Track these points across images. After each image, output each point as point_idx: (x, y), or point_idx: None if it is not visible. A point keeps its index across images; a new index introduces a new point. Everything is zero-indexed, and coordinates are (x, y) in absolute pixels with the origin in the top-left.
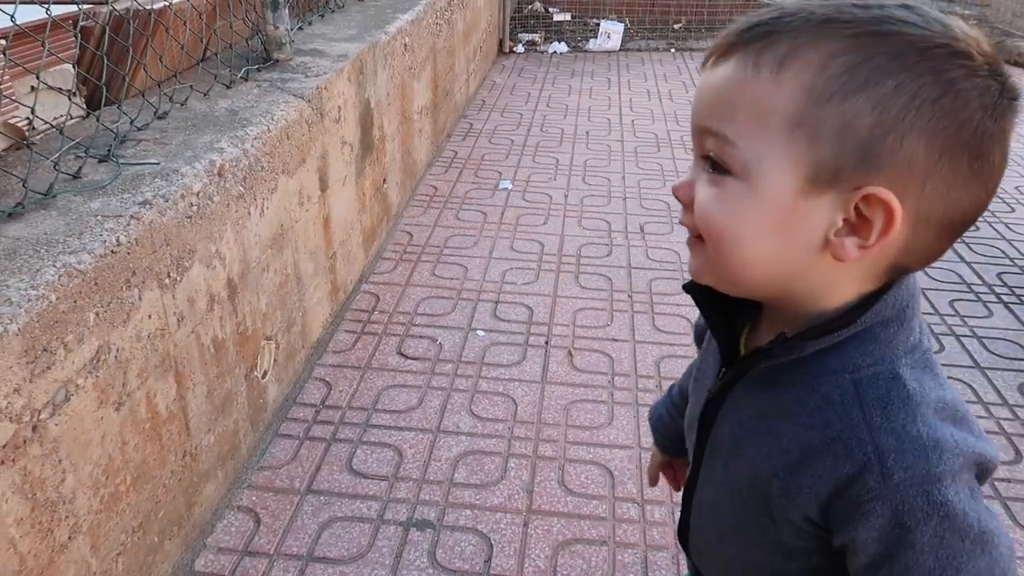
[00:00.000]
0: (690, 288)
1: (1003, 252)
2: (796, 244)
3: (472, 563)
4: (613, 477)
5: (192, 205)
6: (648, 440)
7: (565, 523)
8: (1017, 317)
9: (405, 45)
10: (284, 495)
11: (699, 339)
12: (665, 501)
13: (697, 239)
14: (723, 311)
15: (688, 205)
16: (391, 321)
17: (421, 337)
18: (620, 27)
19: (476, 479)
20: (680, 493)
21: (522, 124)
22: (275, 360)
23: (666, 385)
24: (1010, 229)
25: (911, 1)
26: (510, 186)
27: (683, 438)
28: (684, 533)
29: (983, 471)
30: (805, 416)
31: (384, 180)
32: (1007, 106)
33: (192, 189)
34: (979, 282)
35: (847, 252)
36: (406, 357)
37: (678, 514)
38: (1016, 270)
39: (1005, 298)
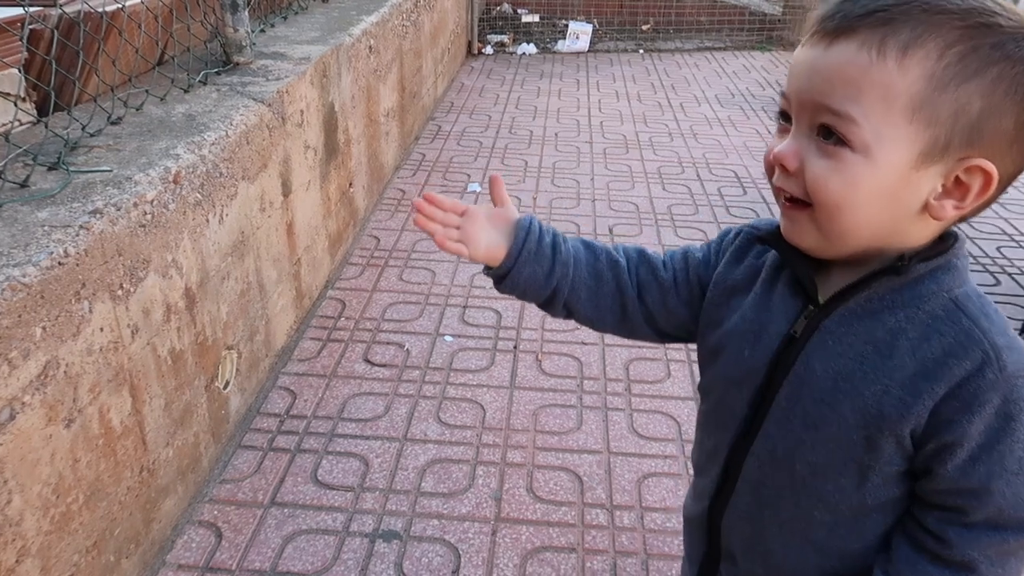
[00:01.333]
0: (769, 240)
1: (1001, 229)
2: (901, 209)
3: (440, 574)
4: (582, 483)
5: (146, 213)
6: (617, 444)
7: (534, 531)
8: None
9: (370, 47)
10: (247, 508)
11: (724, 289)
12: (635, 506)
13: (796, 205)
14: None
15: (794, 172)
16: (357, 328)
17: (388, 343)
18: (589, 28)
19: (444, 488)
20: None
21: (491, 126)
22: (237, 370)
23: (636, 388)
24: (972, 228)
25: None
26: (479, 189)
27: (529, 250)
28: (718, 503)
29: None
30: (916, 331)
31: (350, 184)
32: None
33: (146, 197)
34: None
35: (945, 212)
36: (372, 364)
37: (649, 518)
38: (979, 268)
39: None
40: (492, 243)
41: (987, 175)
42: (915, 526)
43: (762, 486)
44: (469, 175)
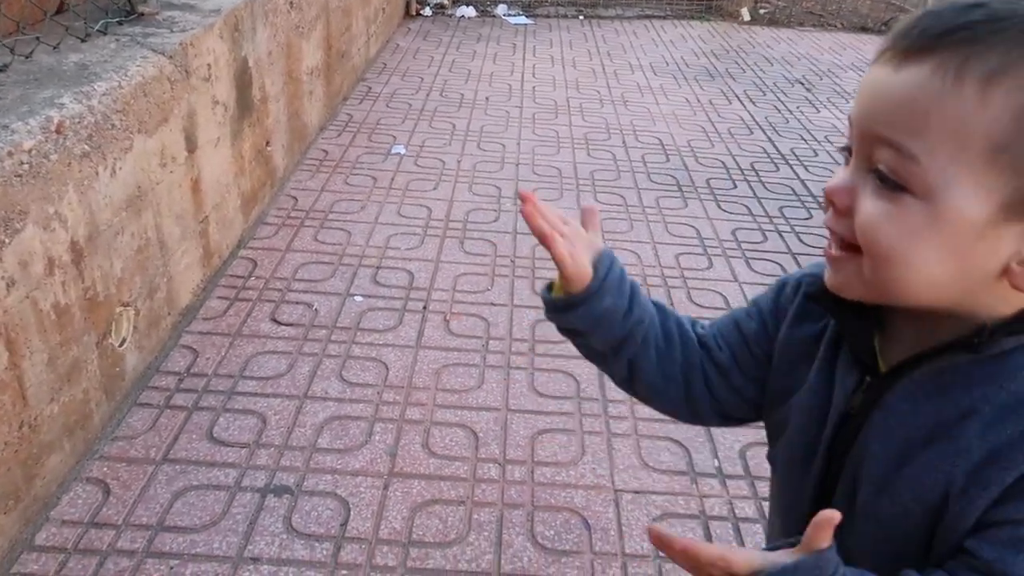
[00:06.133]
0: (821, 300)
1: (792, 190)
2: (972, 270)
3: (328, 527)
4: (477, 439)
5: (23, 163)
6: (516, 401)
7: (425, 484)
8: (732, 270)
9: (291, 2)
10: (138, 465)
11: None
12: (526, 461)
13: (847, 250)
14: (854, 316)
15: (843, 212)
16: (267, 287)
17: (297, 303)
18: (524, 20)
19: (340, 444)
20: None
21: (422, 88)
22: (134, 327)
23: (540, 348)
24: (807, 171)
25: None
26: (403, 151)
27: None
28: None
29: None
30: (994, 413)
31: (267, 143)
32: None
33: (22, 146)
34: (713, 238)
35: None
36: (279, 323)
37: (539, 472)
38: (754, 226)
39: (731, 253)
40: (582, 261)
41: None
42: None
43: None
44: (395, 137)
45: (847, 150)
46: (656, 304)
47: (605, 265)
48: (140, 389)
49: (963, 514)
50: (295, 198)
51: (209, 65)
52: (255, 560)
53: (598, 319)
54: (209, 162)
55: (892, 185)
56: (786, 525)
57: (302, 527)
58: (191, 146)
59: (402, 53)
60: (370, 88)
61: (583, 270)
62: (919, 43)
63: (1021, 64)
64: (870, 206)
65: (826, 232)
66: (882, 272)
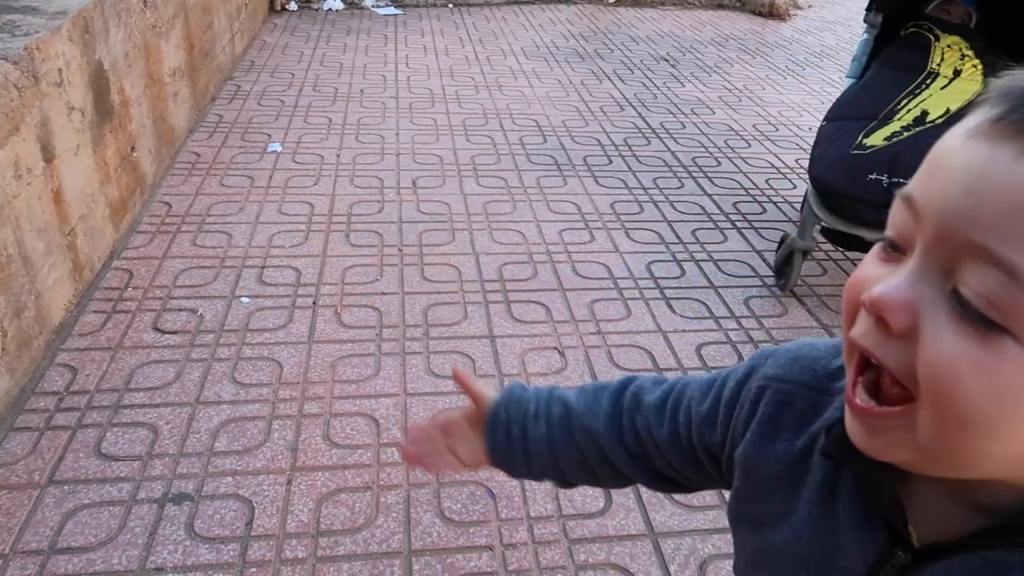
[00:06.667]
0: (834, 452)
1: (739, 184)
2: None
3: (233, 528)
4: (379, 425)
5: None
6: (414, 385)
7: (329, 475)
8: (748, 240)
9: (145, 1)
10: (21, 491)
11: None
12: None
13: (890, 395)
14: (873, 464)
15: (899, 334)
16: (146, 297)
17: (180, 310)
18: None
19: (238, 446)
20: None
21: (294, 84)
22: (3, 349)
23: (434, 331)
24: (747, 163)
25: None
26: (279, 148)
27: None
28: None
29: None
30: None
31: (132, 148)
32: None
33: None
34: (718, 211)
35: None
36: (163, 332)
37: None
38: (749, 199)
39: (739, 224)
40: (475, 451)
41: None
42: None
43: None
44: (270, 135)
45: (893, 246)
46: (565, 418)
47: (491, 441)
48: (16, 413)
49: None
50: (169, 204)
51: (60, 70)
52: (159, 570)
53: (526, 477)
54: (70, 171)
55: (984, 321)
56: None
57: (205, 531)
58: (48, 155)
59: (270, 49)
60: (239, 87)
61: (477, 458)
62: None
63: None
64: (950, 344)
65: (850, 351)
66: (954, 440)
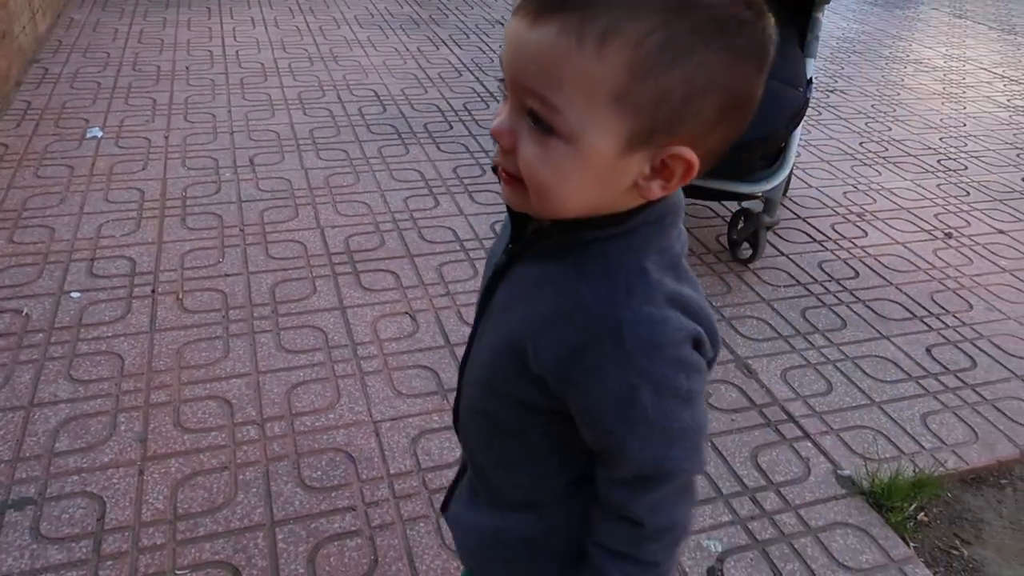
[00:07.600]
0: (509, 214)
1: (466, 147)
2: (611, 190)
3: (83, 525)
4: (232, 406)
5: None
6: (266, 363)
7: (184, 461)
8: (458, 204)
9: None
10: None
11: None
12: (284, 416)
13: (514, 180)
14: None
15: (509, 151)
16: None
17: (2, 312)
18: None
19: (81, 443)
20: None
21: (110, 64)
22: None
23: (283, 308)
24: (479, 125)
25: None
26: (100, 134)
27: None
28: (457, 405)
29: (699, 344)
30: (563, 287)
31: None
32: (770, 63)
33: None
34: (436, 178)
35: (653, 192)
36: None
37: (299, 422)
38: (472, 162)
39: (454, 189)
40: None
41: (688, 163)
42: (599, 488)
43: (470, 388)
44: (87, 120)
45: (505, 94)
46: None
47: None
48: None
49: (528, 365)
50: None
51: None
52: None
53: None
54: None
55: (544, 128)
56: None
57: (53, 532)
58: None
59: (79, 27)
60: (47, 70)
61: None
62: (546, 4)
63: (625, 23)
64: (528, 150)
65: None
66: (544, 199)
